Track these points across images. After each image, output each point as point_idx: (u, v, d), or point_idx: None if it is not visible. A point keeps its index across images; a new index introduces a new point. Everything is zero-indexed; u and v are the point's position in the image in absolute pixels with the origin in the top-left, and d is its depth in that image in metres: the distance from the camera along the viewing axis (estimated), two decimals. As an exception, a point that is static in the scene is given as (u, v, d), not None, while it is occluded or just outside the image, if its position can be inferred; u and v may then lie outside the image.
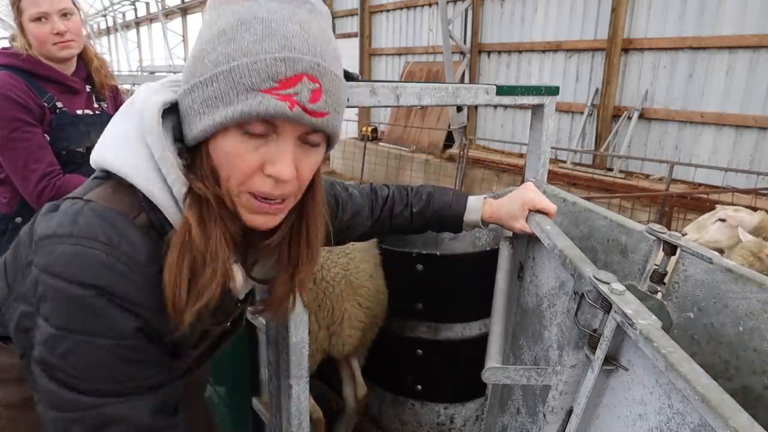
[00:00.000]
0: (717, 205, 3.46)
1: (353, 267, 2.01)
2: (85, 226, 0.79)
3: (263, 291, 1.06)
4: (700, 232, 3.11)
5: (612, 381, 0.94)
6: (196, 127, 0.82)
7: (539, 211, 1.36)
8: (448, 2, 9.53)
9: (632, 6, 7.49)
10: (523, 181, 1.71)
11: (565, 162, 8.32)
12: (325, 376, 2.44)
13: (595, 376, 0.94)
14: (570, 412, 1.06)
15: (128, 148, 0.85)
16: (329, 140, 0.88)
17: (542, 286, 1.35)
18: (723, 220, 3.05)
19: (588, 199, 1.66)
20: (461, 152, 8.93)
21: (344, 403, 2.26)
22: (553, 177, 7.46)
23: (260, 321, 1.52)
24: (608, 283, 0.93)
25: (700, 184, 6.77)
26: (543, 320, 1.30)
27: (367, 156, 10.33)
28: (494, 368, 1.11)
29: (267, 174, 0.81)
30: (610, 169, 7.82)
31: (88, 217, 0.80)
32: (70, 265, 0.77)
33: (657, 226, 1.33)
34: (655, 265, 1.33)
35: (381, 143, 11.47)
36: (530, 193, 1.38)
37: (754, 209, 5.61)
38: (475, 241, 2.24)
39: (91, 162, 0.90)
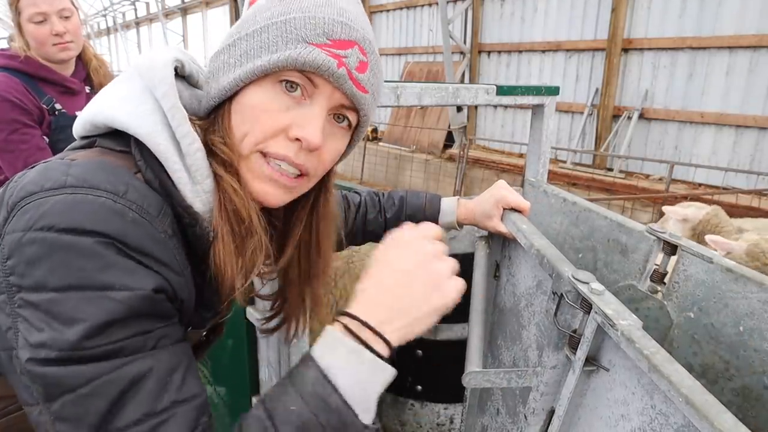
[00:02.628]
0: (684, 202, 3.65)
1: (357, 259, 1.92)
2: (82, 175, 0.68)
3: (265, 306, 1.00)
4: (664, 225, 3.43)
5: (593, 381, 0.93)
6: (226, 79, 0.78)
7: (514, 210, 1.34)
8: (448, 2, 9.54)
9: (632, 6, 7.49)
10: (523, 181, 1.71)
11: (565, 162, 8.32)
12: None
13: (576, 378, 0.93)
14: (551, 412, 1.05)
15: (130, 101, 0.77)
16: (356, 130, 0.88)
17: (519, 285, 1.32)
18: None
19: (588, 199, 1.66)
20: (461, 152, 8.94)
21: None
22: (553, 177, 7.47)
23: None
24: (587, 283, 0.92)
25: (700, 184, 6.77)
26: (521, 320, 1.28)
27: (367, 156, 10.32)
28: (474, 372, 1.09)
29: (293, 137, 0.77)
30: (610, 169, 7.82)
31: (84, 167, 0.69)
32: (69, 213, 0.64)
33: (657, 226, 1.33)
34: (656, 264, 1.33)
35: (381, 143, 11.47)
36: (503, 191, 1.35)
37: (755, 209, 5.64)
38: (474, 240, 2.24)
39: (73, 131, 0.81)
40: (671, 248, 1.28)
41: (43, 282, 0.62)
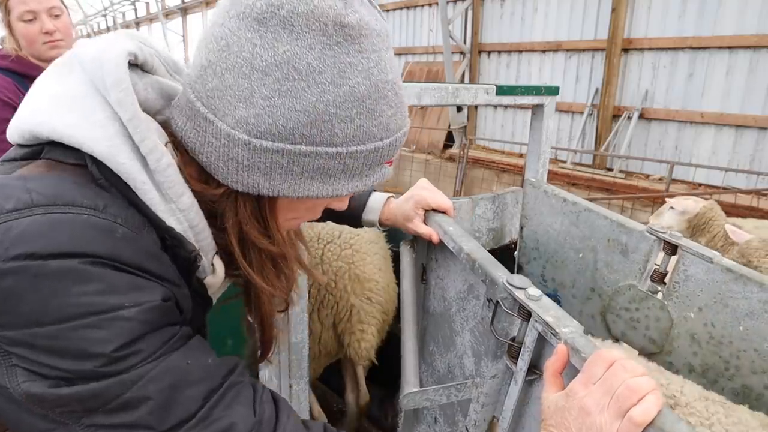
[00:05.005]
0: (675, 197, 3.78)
1: (359, 259, 1.87)
2: (49, 191, 0.60)
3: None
4: (658, 218, 3.56)
5: (536, 390, 0.90)
6: (298, 188, 0.71)
7: (438, 210, 1.26)
8: (448, 2, 9.53)
9: (632, 6, 7.49)
10: (523, 181, 1.71)
11: (565, 162, 8.32)
12: (325, 376, 2.43)
13: (519, 389, 0.91)
14: (491, 420, 1.02)
15: (77, 108, 0.66)
16: None
17: (449, 289, 1.24)
18: (673, 208, 3.52)
19: (588, 199, 1.65)
20: (461, 152, 8.93)
21: (344, 404, 2.25)
22: (553, 177, 7.46)
23: (260, 321, 1.52)
24: (524, 289, 0.89)
25: (700, 184, 6.77)
26: (453, 325, 1.21)
27: (367, 156, 10.32)
28: (412, 393, 1.02)
29: (331, 207, 0.83)
30: (610, 169, 7.82)
31: (46, 183, 0.62)
32: (50, 236, 0.57)
33: (657, 226, 1.33)
34: (656, 264, 1.33)
35: (381, 143, 11.47)
36: (422, 191, 1.28)
37: (755, 209, 5.64)
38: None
39: (8, 136, 0.71)
40: (671, 248, 1.28)
41: (34, 318, 0.56)
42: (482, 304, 1.02)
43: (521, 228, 1.70)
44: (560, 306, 1.69)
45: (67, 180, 0.64)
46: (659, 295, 1.32)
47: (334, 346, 1.91)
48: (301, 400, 1.43)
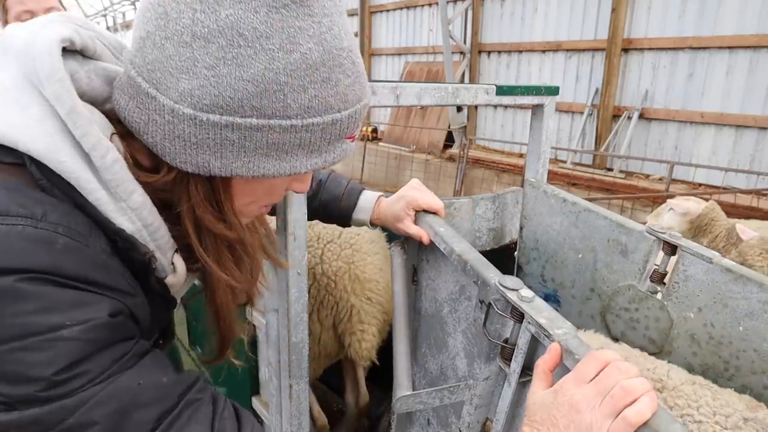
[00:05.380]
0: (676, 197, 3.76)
1: (359, 259, 1.83)
2: None
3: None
4: (656, 219, 3.51)
5: (529, 390, 0.90)
6: (252, 166, 0.66)
7: (428, 211, 1.25)
8: (448, 2, 9.53)
9: (632, 6, 7.49)
10: (523, 181, 1.71)
11: (565, 162, 8.32)
12: (325, 377, 2.44)
13: (512, 391, 0.90)
14: (484, 422, 1.02)
15: (9, 102, 0.61)
16: None
17: (440, 290, 1.23)
18: (673, 209, 3.48)
19: (588, 199, 1.65)
20: (461, 152, 8.93)
21: (344, 404, 2.25)
22: (553, 177, 7.46)
23: (260, 320, 1.52)
24: (516, 290, 0.88)
25: (700, 184, 6.76)
26: (445, 327, 1.20)
27: (366, 156, 10.32)
28: (405, 397, 1.01)
29: (291, 189, 0.79)
30: (610, 169, 7.82)
31: None
32: None
33: (657, 226, 1.33)
34: (655, 265, 1.33)
35: (381, 143, 11.46)
36: (413, 191, 1.26)
37: (755, 209, 5.64)
38: (475, 240, 2.23)
39: None
40: (671, 248, 1.28)
41: None
42: (474, 306, 1.02)
43: (521, 228, 1.70)
44: (560, 306, 1.69)
45: (2, 185, 0.58)
46: (659, 296, 1.32)
47: (334, 347, 1.88)
48: (301, 400, 1.43)
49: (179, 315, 1.92)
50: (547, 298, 1.67)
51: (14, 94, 0.61)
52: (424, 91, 1.42)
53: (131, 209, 0.65)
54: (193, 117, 0.62)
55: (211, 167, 0.65)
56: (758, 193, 5.82)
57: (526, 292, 0.87)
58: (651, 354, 1.33)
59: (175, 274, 0.75)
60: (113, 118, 0.68)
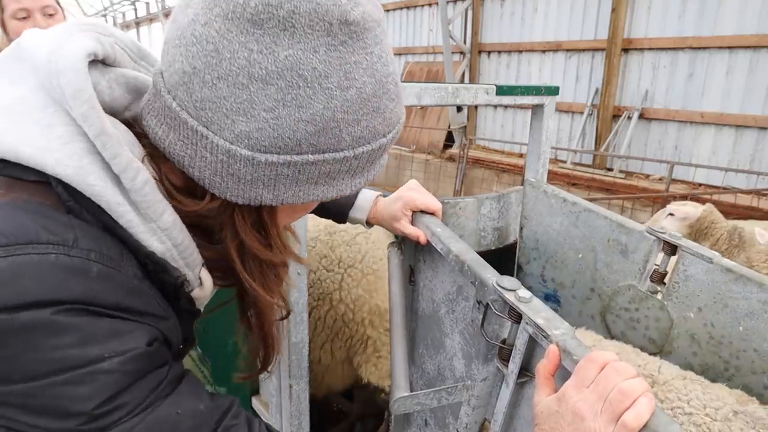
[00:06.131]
0: (673, 200, 3.75)
1: (381, 287, 1.73)
2: (9, 226, 0.54)
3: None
4: (654, 225, 3.52)
5: (527, 391, 0.90)
6: (302, 194, 0.66)
7: (425, 211, 1.25)
8: (448, 2, 9.53)
9: (632, 6, 7.49)
10: (523, 181, 1.71)
11: (565, 162, 8.32)
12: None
13: (510, 391, 0.90)
14: (482, 423, 1.02)
15: (33, 123, 0.59)
16: None
17: (437, 290, 1.23)
18: (672, 214, 3.45)
19: (588, 199, 1.65)
20: (461, 152, 8.93)
21: (345, 404, 2.25)
22: (553, 177, 7.46)
23: (260, 321, 1.52)
24: (514, 290, 0.88)
25: (700, 184, 6.77)
26: (443, 327, 1.20)
27: (367, 156, 10.32)
28: (403, 398, 1.01)
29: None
30: (610, 169, 7.82)
31: (4, 215, 0.55)
32: (13, 284, 0.51)
33: (657, 226, 1.33)
34: (655, 265, 1.33)
35: (381, 143, 11.47)
36: (411, 192, 1.25)
37: (755, 209, 5.64)
38: (480, 240, 2.23)
39: None
40: (671, 248, 1.28)
41: (5, 376, 0.52)
42: (472, 306, 1.02)
43: (521, 228, 1.70)
44: (560, 306, 1.69)
45: (26, 207, 0.56)
46: (659, 296, 1.33)
47: (340, 379, 1.82)
48: (301, 400, 1.43)
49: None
50: (547, 298, 1.67)
51: (36, 112, 0.59)
52: (424, 91, 1.42)
53: (161, 230, 0.63)
54: (250, 158, 0.61)
55: (263, 199, 0.65)
56: (758, 193, 5.83)
57: (524, 293, 0.87)
58: (651, 354, 1.34)
59: (202, 288, 0.74)
60: (137, 132, 0.67)
